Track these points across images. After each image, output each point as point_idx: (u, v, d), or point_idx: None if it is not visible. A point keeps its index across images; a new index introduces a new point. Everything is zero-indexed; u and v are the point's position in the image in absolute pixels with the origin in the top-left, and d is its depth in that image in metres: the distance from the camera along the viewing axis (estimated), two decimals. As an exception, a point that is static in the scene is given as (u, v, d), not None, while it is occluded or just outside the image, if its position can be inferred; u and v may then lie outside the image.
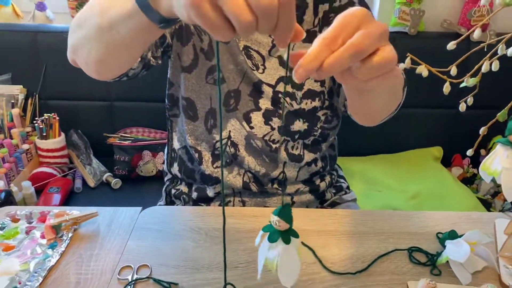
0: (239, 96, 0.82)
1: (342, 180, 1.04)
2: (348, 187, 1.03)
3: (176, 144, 0.91)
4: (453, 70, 0.56)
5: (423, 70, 0.54)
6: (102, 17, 0.53)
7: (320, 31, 0.82)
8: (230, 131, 0.83)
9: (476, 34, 0.52)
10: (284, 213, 0.43)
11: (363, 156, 1.53)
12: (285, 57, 0.70)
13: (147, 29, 0.49)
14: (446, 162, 1.57)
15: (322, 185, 0.93)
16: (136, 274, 0.61)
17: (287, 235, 0.44)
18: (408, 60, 0.55)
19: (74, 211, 0.72)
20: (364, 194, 1.28)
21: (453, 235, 0.64)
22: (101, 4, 0.54)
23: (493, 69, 0.54)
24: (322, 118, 0.86)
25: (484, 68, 0.53)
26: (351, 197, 1.01)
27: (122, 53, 0.58)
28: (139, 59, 0.74)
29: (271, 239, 0.44)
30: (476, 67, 0.53)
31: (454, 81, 0.53)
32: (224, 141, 0.83)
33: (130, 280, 0.59)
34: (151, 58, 0.78)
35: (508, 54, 0.53)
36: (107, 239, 0.68)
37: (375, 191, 1.30)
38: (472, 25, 1.41)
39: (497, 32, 1.42)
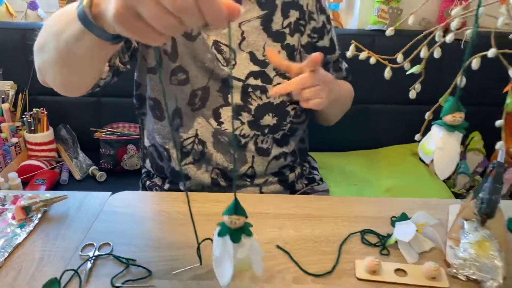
0: (207, 92, 0.83)
1: (315, 172, 1.06)
2: (321, 179, 1.05)
3: (146, 142, 0.94)
4: (399, 58, 0.58)
5: (365, 56, 0.57)
6: (58, 40, 0.54)
7: (291, 35, 0.86)
8: (197, 129, 0.84)
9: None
10: (239, 208, 0.42)
11: (343, 152, 1.56)
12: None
13: (100, 46, 0.50)
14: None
15: (292, 176, 0.95)
16: (98, 251, 0.63)
17: (247, 227, 0.43)
18: (352, 48, 0.58)
19: (47, 195, 0.75)
20: (340, 187, 1.30)
21: (403, 217, 0.67)
22: (55, 26, 0.54)
23: (435, 55, 0.57)
24: (292, 112, 0.89)
25: (423, 54, 0.55)
26: (323, 188, 1.03)
27: (84, 72, 0.59)
28: (108, 68, 0.76)
29: (235, 239, 0.42)
30: (414, 53, 0.55)
31: (395, 66, 0.56)
32: (191, 139, 0.85)
33: (90, 256, 0.62)
34: (120, 65, 0.80)
35: (447, 41, 0.56)
36: (75, 220, 0.71)
37: (351, 184, 1.32)
38: (449, 23, 1.44)
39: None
